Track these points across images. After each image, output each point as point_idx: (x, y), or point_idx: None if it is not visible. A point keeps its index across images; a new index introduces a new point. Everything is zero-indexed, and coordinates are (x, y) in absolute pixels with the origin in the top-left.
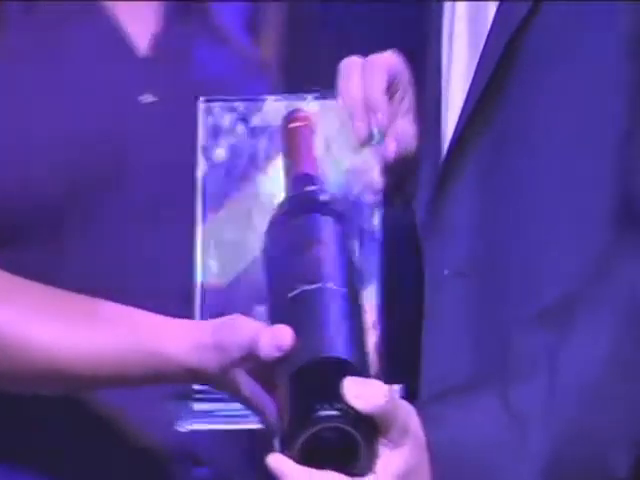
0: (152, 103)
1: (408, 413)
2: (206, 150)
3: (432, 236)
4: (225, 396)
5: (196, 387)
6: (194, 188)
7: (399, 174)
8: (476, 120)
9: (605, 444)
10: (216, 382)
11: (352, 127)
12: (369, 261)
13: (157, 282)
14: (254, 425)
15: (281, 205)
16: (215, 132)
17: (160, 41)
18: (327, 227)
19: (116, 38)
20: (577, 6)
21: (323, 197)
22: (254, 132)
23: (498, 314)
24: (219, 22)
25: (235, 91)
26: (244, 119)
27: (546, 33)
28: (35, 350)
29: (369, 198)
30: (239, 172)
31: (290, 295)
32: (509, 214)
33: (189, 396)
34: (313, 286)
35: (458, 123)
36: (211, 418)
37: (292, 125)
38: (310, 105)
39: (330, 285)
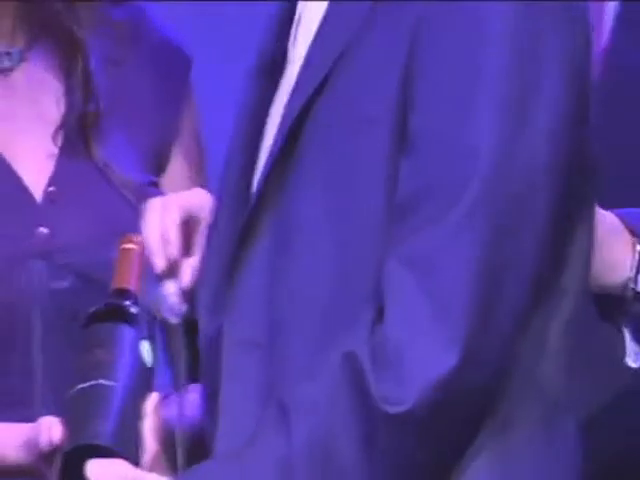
0: (48, 235)
1: None
2: (35, 296)
3: (229, 309)
4: None
5: None
6: None
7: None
8: (255, 220)
9: None
10: (36, 473)
11: (151, 260)
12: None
13: None
14: None
15: (85, 315)
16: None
17: (54, 183)
18: (113, 332)
19: (13, 183)
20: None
21: (122, 306)
22: (87, 280)
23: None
24: (111, 162)
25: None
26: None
27: (323, 121)
28: None
29: (172, 319)
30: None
31: (71, 392)
32: (288, 293)
33: None
34: (86, 384)
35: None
36: None
37: (124, 246)
38: None
39: (100, 381)
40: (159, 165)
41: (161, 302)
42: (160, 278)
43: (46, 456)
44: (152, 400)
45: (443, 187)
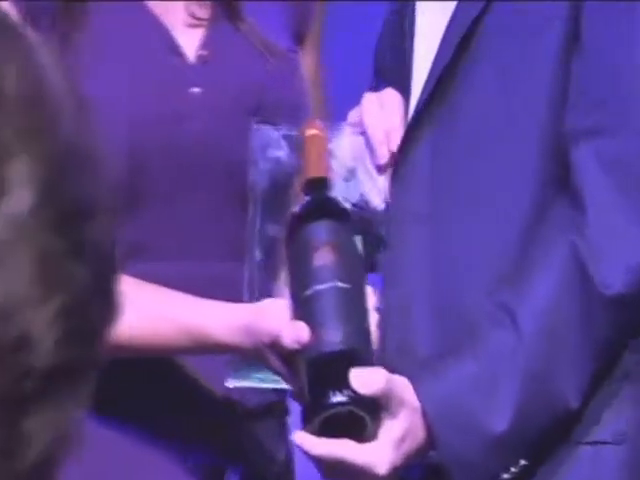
0: (200, 94)
1: (403, 387)
2: (255, 161)
3: (397, 186)
4: (257, 365)
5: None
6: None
7: None
8: (434, 97)
9: (559, 380)
10: (251, 356)
11: (374, 153)
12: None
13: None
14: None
15: (295, 209)
16: (263, 146)
17: (205, 46)
18: (335, 229)
19: (169, 45)
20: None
21: (332, 201)
22: (293, 150)
23: (452, 260)
24: (257, 27)
25: (270, 94)
26: (288, 137)
27: (495, 28)
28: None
29: (380, 208)
30: (283, 180)
31: (305, 294)
32: (459, 175)
33: (236, 360)
34: (323, 286)
35: (420, 97)
36: (253, 380)
37: (308, 133)
38: (343, 135)
39: (338, 284)
40: (299, 36)
41: (374, 190)
42: (380, 169)
43: (270, 348)
44: (371, 295)
45: (622, 99)
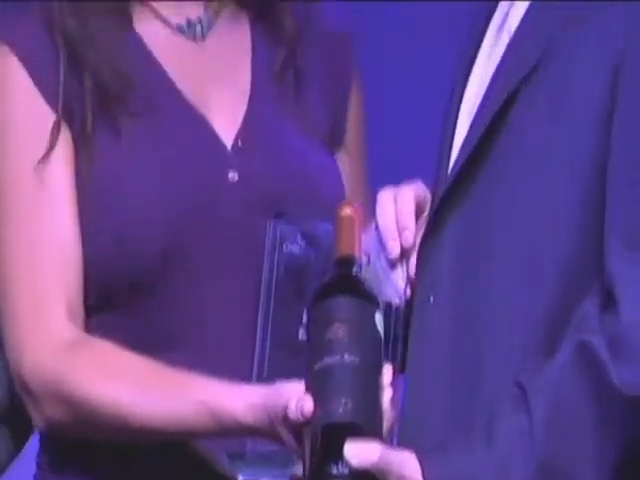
0: (237, 182)
1: (403, 463)
2: (270, 254)
3: (423, 266)
4: (267, 458)
5: (247, 450)
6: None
7: None
8: (458, 190)
9: (574, 473)
10: (267, 435)
11: (386, 245)
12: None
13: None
14: None
15: (318, 287)
16: (279, 240)
17: (245, 134)
18: (352, 306)
19: (208, 134)
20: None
21: (355, 278)
22: (310, 245)
23: (472, 343)
24: (303, 112)
25: (310, 183)
26: (305, 232)
27: (531, 106)
28: (111, 412)
29: (396, 302)
30: (296, 274)
31: (316, 366)
32: (482, 266)
33: (240, 457)
34: (331, 359)
35: (451, 173)
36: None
37: (342, 213)
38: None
39: (345, 357)
40: (332, 141)
41: (387, 284)
42: (391, 263)
43: (283, 423)
44: (387, 372)
45: None
